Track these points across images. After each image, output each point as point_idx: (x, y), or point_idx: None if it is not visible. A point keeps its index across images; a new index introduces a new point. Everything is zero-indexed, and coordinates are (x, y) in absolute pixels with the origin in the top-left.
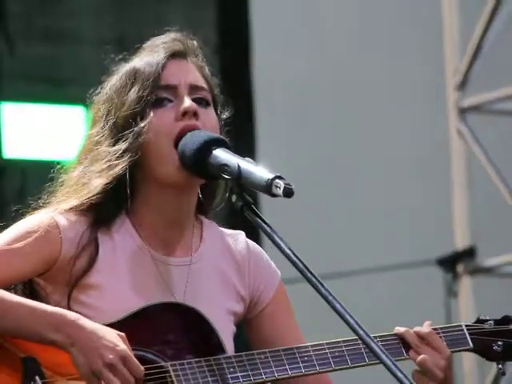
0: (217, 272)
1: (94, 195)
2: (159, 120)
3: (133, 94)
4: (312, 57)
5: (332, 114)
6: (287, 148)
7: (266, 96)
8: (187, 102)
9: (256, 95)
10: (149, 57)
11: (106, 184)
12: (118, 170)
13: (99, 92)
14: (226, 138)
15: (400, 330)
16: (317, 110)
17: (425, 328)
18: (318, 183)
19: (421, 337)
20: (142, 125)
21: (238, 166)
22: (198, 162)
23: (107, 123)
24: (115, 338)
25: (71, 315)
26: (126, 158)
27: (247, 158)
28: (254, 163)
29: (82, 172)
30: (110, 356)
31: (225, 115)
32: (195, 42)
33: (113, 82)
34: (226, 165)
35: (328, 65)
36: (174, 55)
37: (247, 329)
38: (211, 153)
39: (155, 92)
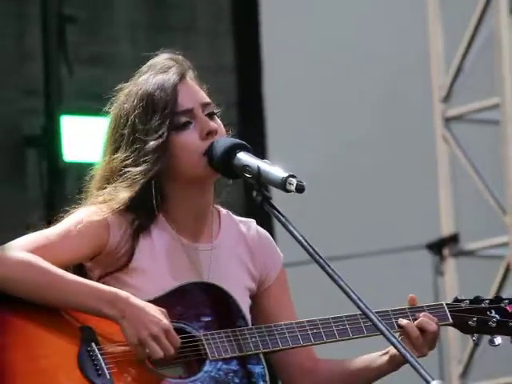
0: (234, 255)
1: (126, 203)
2: (186, 141)
3: (155, 122)
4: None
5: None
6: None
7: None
8: (209, 124)
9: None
10: (157, 79)
11: (133, 196)
12: (141, 183)
13: (116, 113)
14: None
15: (403, 321)
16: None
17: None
18: (321, 179)
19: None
20: (168, 149)
21: (258, 166)
22: (225, 163)
23: (135, 150)
24: (159, 314)
25: (123, 294)
26: (151, 174)
27: (265, 160)
28: (271, 164)
29: (113, 187)
30: (155, 329)
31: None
32: (181, 57)
33: (129, 106)
34: (247, 166)
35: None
36: (180, 78)
37: (252, 303)
38: (235, 155)
39: (175, 118)
